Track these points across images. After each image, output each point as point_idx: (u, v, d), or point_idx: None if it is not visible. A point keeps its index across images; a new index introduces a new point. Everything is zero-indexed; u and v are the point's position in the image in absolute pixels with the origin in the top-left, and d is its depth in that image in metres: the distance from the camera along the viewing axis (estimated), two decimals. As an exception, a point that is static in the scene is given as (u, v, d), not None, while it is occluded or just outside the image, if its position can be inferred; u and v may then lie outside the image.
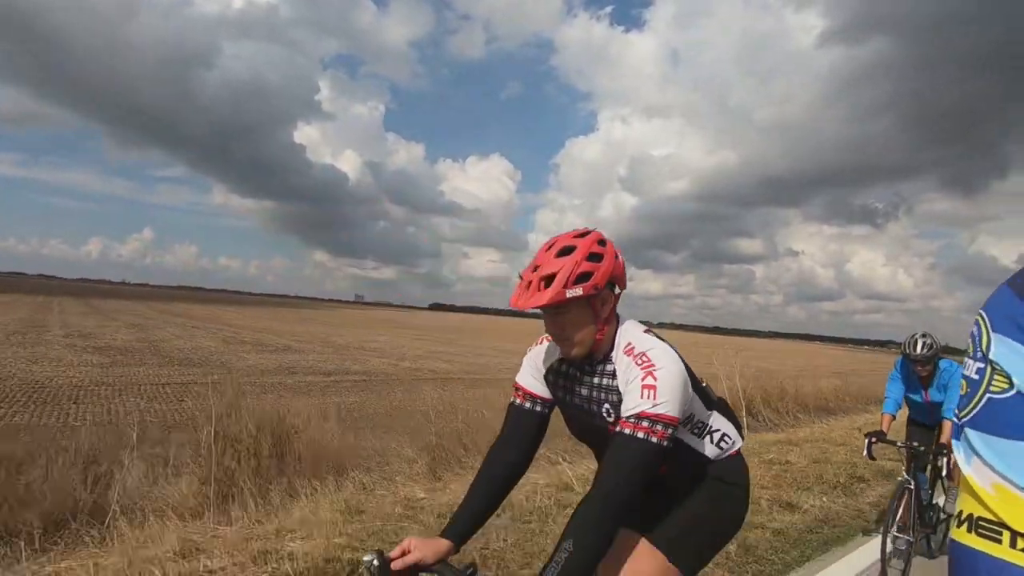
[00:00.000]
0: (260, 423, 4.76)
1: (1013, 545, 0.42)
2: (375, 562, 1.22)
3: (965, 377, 0.49)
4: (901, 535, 3.41)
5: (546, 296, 1.22)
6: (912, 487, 3.48)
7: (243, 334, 27.61)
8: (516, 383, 1.51)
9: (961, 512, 0.47)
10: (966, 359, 0.49)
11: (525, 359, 1.53)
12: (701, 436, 1.47)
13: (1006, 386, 0.44)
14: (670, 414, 1.22)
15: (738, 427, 1.56)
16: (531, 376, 1.49)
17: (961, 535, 0.46)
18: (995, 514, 0.43)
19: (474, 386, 10.23)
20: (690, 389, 1.33)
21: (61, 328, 22.57)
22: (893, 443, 3.64)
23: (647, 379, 1.24)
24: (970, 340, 0.49)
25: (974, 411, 0.46)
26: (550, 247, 1.30)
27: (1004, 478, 0.43)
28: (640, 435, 1.19)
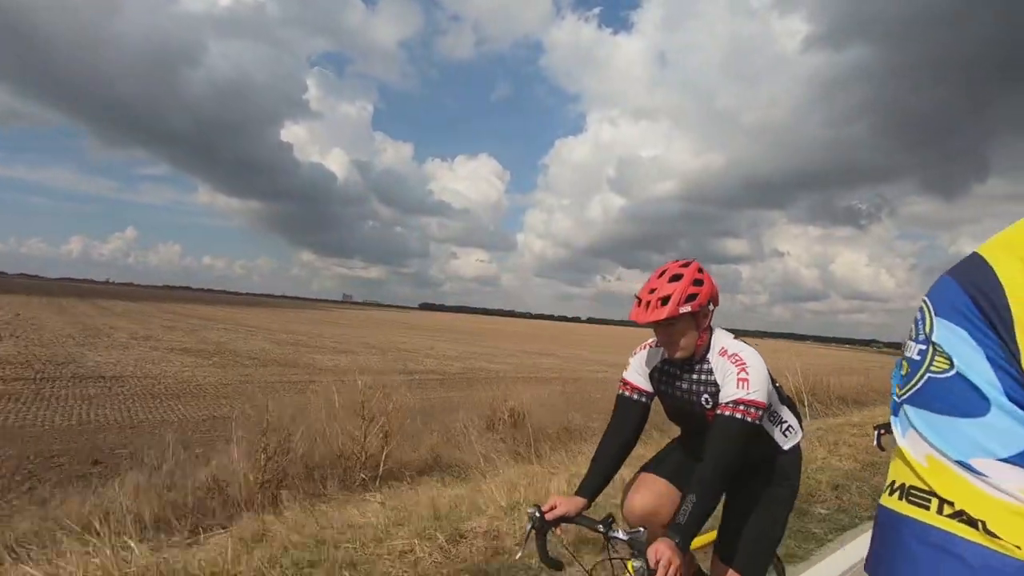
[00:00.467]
0: (494, 403, 6.50)
1: (940, 511, 0.44)
2: (536, 513, 1.60)
3: (906, 358, 0.51)
4: None
5: (664, 312, 1.59)
6: None
7: (280, 335, 28.68)
8: (624, 379, 1.87)
9: (893, 481, 0.49)
10: (908, 341, 0.52)
11: (632, 360, 1.89)
12: (774, 424, 1.81)
13: (946, 366, 0.46)
14: (760, 400, 1.59)
15: (799, 421, 1.88)
16: (638, 374, 1.86)
17: (891, 502, 0.48)
18: (926, 483, 0.45)
19: (548, 384, 11.46)
20: (770, 383, 1.68)
21: (119, 331, 23.57)
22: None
23: (741, 374, 1.61)
24: (913, 324, 0.52)
25: (913, 389, 0.49)
26: (662, 274, 1.68)
27: (937, 450, 0.45)
28: (738, 416, 1.56)
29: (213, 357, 16.97)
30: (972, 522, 0.43)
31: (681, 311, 1.60)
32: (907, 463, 0.47)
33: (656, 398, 1.86)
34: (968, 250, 0.49)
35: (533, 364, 23.48)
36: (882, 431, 3.41)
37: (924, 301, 0.51)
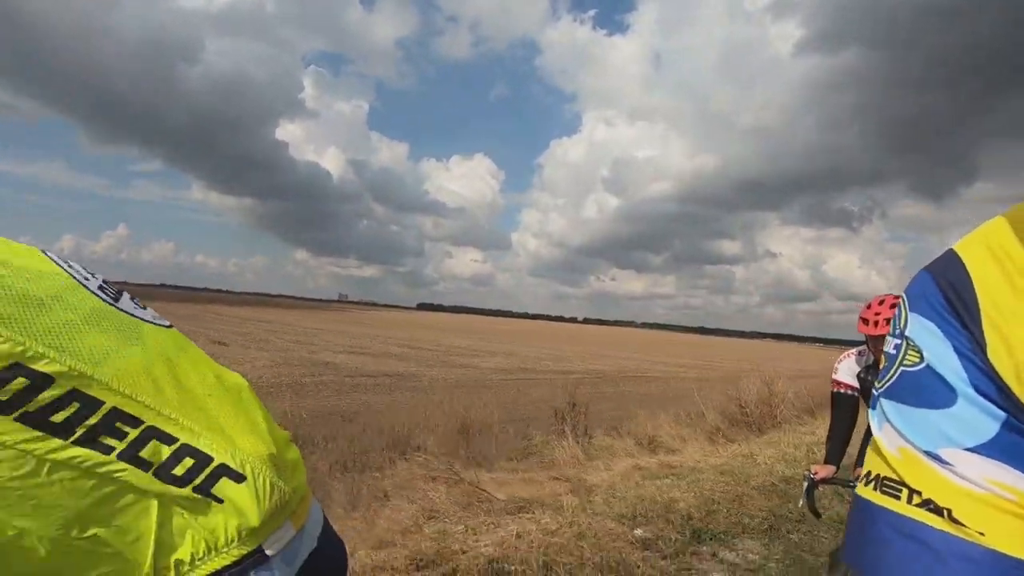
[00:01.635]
0: (728, 393, 9.58)
1: (910, 501, 0.45)
2: (809, 475, 2.46)
3: (884, 352, 0.52)
4: None
5: (885, 329, 2.19)
6: None
7: (366, 341, 28.68)
8: (837, 380, 2.60)
9: (869, 472, 0.50)
10: (887, 336, 0.53)
11: (840, 366, 2.62)
12: None
13: (917, 360, 0.47)
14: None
15: None
16: (848, 375, 2.57)
17: (866, 492, 0.49)
18: (897, 474, 0.46)
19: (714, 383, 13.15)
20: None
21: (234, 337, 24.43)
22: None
23: None
24: (893, 320, 0.53)
25: (889, 382, 0.50)
26: (882, 302, 2.31)
27: (909, 442, 0.46)
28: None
29: (456, 368, 17.84)
30: (939, 510, 0.43)
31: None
32: (881, 455, 0.48)
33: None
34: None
35: (631, 367, 25.66)
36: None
37: (901, 296, 0.52)
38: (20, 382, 0.54)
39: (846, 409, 2.56)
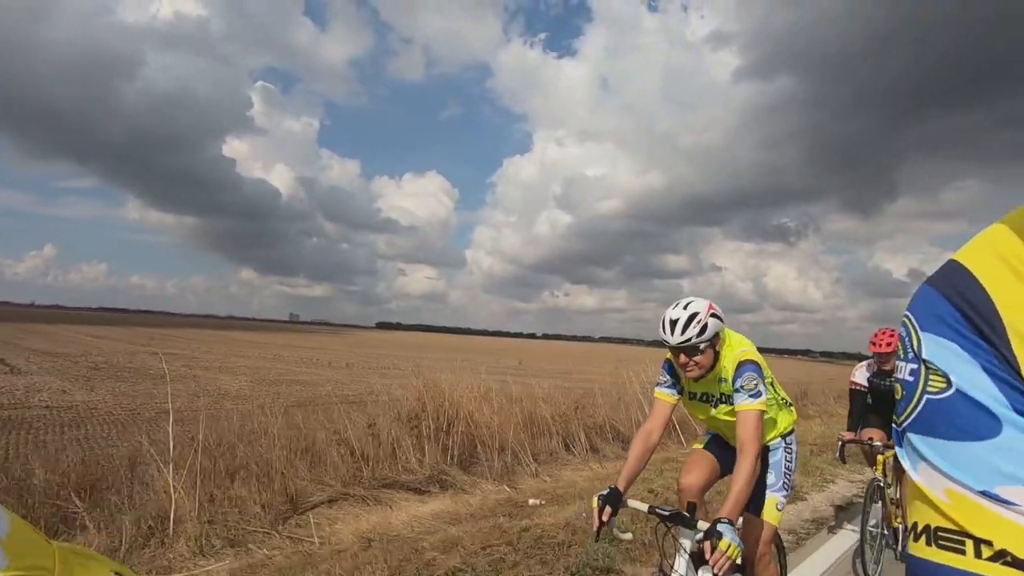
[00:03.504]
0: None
1: (978, 555, 0.38)
2: (842, 438, 3.61)
3: (899, 380, 0.46)
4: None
5: (895, 347, 3.41)
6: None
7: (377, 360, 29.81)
8: (853, 380, 4.12)
9: (916, 524, 0.42)
10: (897, 362, 0.47)
11: (857, 371, 4.15)
12: None
13: (943, 386, 0.41)
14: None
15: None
16: (861, 377, 4.10)
17: (920, 549, 0.41)
18: (954, 522, 0.39)
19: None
20: None
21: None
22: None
23: None
24: (900, 343, 0.47)
25: (913, 414, 0.43)
26: (890, 332, 3.74)
27: (956, 482, 0.39)
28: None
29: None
30: (1018, 563, 0.36)
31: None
32: (926, 500, 0.40)
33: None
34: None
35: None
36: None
37: (907, 316, 0.45)
38: None
39: (858, 400, 4.00)
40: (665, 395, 2.28)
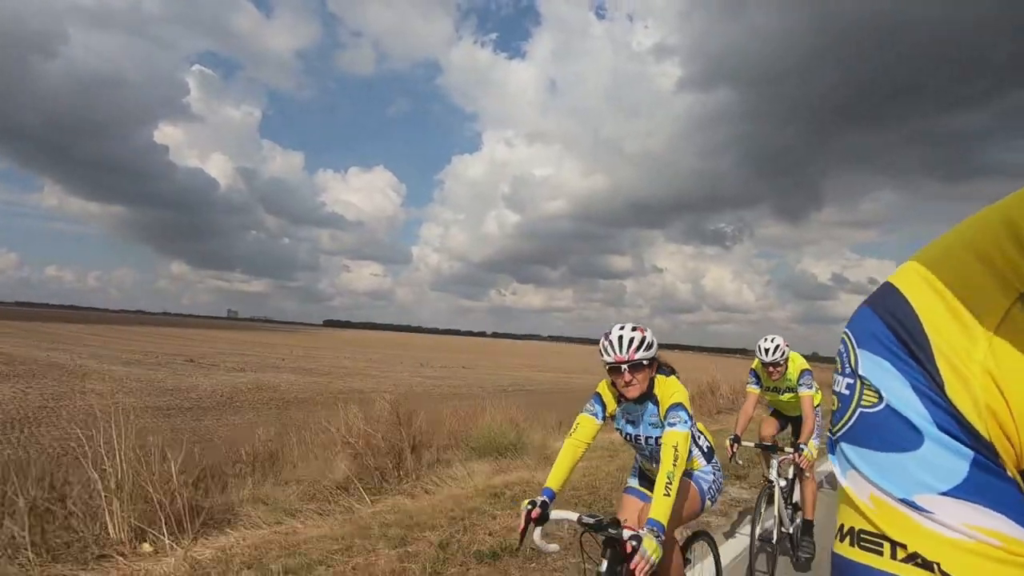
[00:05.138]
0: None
1: (894, 556, 0.41)
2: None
3: (836, 393, 0.48)
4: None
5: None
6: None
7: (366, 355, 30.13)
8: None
9: (842, 525, 0.45)
10: (835, 375, 0.49)
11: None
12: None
13: (876, 400, 0.44)
14: None
15: None
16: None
17: (844, 549, 0.44)
18: (875, 525, 0.42)
19: None
20: None
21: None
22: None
23: None
24: (837, 357, 0.49)
25: (847, 425, 0.45)
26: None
27: (881, 489, 0.42)
28: None
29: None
30: (927, 565, 0.40)
31: None
32: (852, 505, 0.44)
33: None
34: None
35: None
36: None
37: (846, 333, 0.49)
38: None
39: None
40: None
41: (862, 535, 0.43)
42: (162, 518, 3.50)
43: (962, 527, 0.39)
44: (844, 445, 0.46)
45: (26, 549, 3.01)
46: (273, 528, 3.87)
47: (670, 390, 2.26)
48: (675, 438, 2.09)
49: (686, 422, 2.15)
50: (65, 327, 49.58)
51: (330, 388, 18.15)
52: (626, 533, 1.88)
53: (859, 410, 0.45)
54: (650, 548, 1.79)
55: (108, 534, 3.34)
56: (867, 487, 0.43)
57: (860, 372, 0.46)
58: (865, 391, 0.45)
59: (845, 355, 0.48)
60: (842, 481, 0.46)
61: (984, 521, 0.39)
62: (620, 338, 2.18)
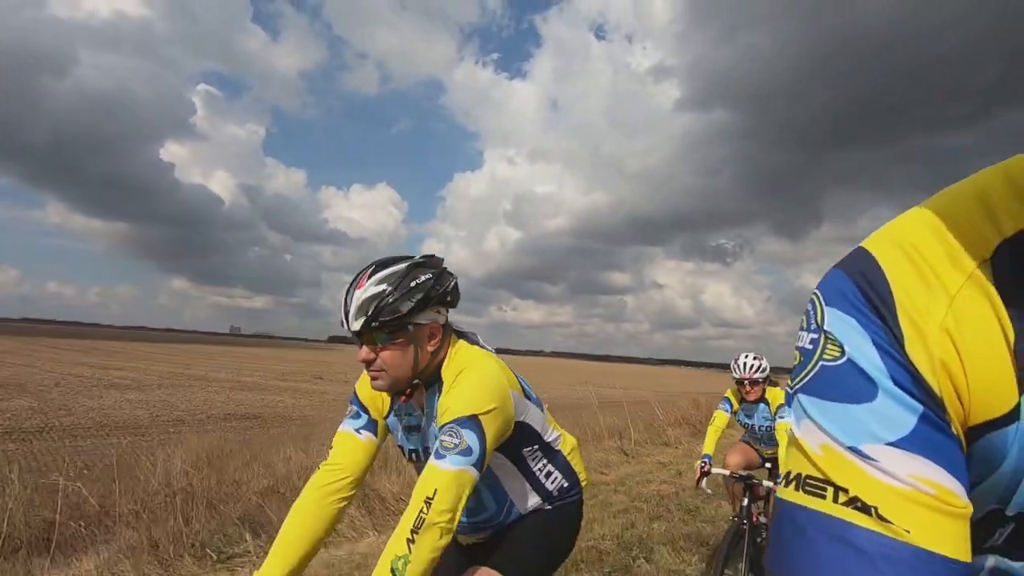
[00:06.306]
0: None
1: (836, 500, 0.43)
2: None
3: (798, 348, 0.50)
4: None
5: None
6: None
7: None
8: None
9: (789, 472, 0.47)
10: (800, 332, 0.50)
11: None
12: None
13: (838, 354, 0.45)
14: None
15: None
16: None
17: (788, 493, 0.46)
18: (822, 472, 0.44)
19: None
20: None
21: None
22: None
23: None
24: (804, 316, 0.51)
25: (807, 378, 0.47)
26: None
27: (831, 438, 0.44)
28: None
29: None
30: (866, 508, 0.42)
31: None
32: (803, 453, 0.46)
33: None
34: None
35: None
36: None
37: (815, 293, 0.50)
38: None
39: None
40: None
41: (808, 480, 0.45)
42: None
43: (903, 475, 0.42)
44: (802, 396, 0.48)
45: None
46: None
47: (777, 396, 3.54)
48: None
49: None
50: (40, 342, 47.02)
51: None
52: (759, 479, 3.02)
53: (820, 363, 0.47)
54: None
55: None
56: (819, 436, 0.45)
57: (825, 327, 0.47)
58: (828, 345, 0.46)
59: (812, 312, 0.49)
60: (796, 431, 0.48)
61: (923, 471, 0.42)
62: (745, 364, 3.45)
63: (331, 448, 1.40)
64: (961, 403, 0.43)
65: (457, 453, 1.15)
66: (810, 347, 0.48)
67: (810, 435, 0.46)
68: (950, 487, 0.42)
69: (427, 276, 1.30)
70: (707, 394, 14.96)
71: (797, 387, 0.49)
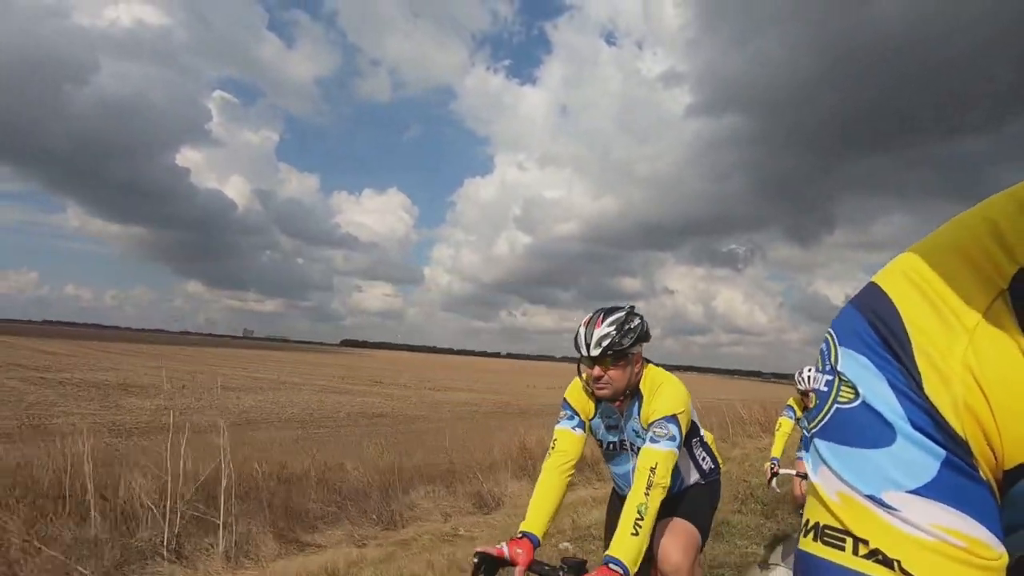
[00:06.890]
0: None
1: (855, 552, 0.41)
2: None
3: (815, 390, 0.48)
4: None
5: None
6: None
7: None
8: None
9: (808, 521, 0.45)
10: (816, 373, 0.49)
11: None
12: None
13: (852, 396, 0.43)
14: None
15: None
16: None
17: (807, 544, 0.44)
18: (840, 521, 0.42)
19: None
20: None
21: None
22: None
23: None
24: (819, 355, 0.49)
25: (823, 421, 0.45)
26: None
27: (849, 485, 0.42)
28: None
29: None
30: (887, 562, 0.39)
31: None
32: (821, 500, 0.43)
33: None
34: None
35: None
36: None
37: (829, 332, 0.48)
38: None
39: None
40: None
41: (826, 530, 0.43)
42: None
43: (927, 526, 0.39)
44: (818, 441, 0.45)
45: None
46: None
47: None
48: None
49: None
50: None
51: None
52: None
53: (835, 406, 0.44)
54: None
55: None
56: (836, 483, 0.43)
57: (839, 368, 0.45)
58: (842, 387, 0.44)
59: (827, 352, 0.47)
60: (813, 478, 0.45)
61: (950, 521, 0.39)
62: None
63: (555, 439, 1.89)
64: (991, 447, 0.40)
65: (667, 439, 1.72)
66: (825, 389, 0.46)
67: (827, 482, 0.44)
68: (981, 537, 0.39)
69: (637, 322, 1.84)
70: (724, 400, 15.32)
71: (813, 431, 0.47)
